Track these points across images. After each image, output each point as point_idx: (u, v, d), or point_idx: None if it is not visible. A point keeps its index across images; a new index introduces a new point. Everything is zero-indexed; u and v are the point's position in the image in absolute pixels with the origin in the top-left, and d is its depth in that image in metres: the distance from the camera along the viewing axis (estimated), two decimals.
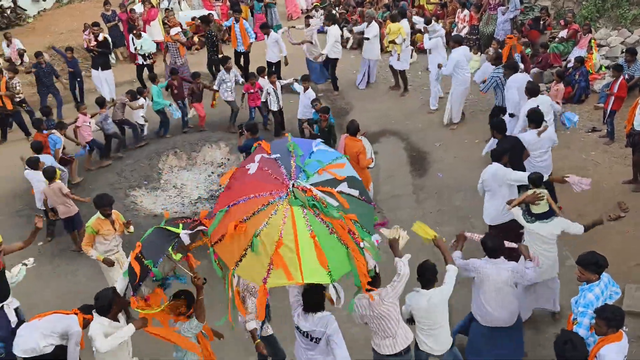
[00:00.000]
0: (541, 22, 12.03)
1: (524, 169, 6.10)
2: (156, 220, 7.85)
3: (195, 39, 14.34)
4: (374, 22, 10.93)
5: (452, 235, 5.32)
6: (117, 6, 13.96)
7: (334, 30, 10.95)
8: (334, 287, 4.16)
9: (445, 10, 13.13)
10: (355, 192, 4.00)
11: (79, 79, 11.71)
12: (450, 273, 4.44)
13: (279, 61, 11.14)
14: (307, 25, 11.34)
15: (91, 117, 9.38)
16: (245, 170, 4.06)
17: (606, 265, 4.24)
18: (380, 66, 11.96)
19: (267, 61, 11.16)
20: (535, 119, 6.45)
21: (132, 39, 11.93)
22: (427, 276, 4.39)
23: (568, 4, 12.24)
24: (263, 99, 9.86)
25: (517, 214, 5.16)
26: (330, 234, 3.62)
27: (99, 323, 4.19)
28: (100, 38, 11.44)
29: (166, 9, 14.34)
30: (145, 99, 10.15)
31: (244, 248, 3.53)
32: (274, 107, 9.74)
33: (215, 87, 10.12)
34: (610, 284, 4.30)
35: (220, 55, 11.51)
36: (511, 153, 6.01)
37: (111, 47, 12.56)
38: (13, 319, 5.22)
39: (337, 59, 11.34)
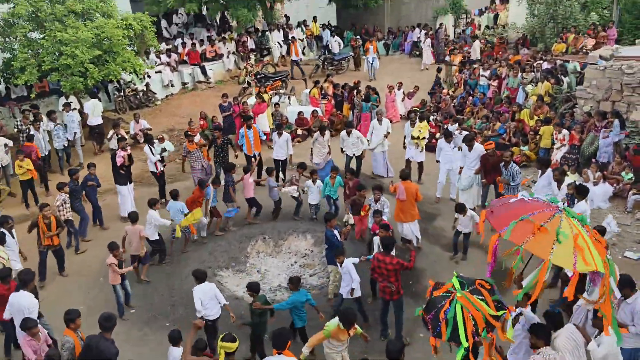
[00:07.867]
0: None
1: None
2: (237, 302, 8.23)
3: (299, 131, 15.44)
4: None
5: None
6: (232, 98, 15.51)
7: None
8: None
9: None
10: None
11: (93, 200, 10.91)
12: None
13: (286, 159, 12.24)
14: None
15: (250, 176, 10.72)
16: (509, 203, 5.39)
17: None
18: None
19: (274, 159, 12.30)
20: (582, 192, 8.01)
21: (154, 144, 11.70)
22: None
23: None
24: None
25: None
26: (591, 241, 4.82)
27: None
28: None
29: (275, 104, 15.73)
30: (300, 176, 10.95)
31: (552, 242, 4.67)
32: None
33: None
34: None
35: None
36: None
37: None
38: None
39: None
